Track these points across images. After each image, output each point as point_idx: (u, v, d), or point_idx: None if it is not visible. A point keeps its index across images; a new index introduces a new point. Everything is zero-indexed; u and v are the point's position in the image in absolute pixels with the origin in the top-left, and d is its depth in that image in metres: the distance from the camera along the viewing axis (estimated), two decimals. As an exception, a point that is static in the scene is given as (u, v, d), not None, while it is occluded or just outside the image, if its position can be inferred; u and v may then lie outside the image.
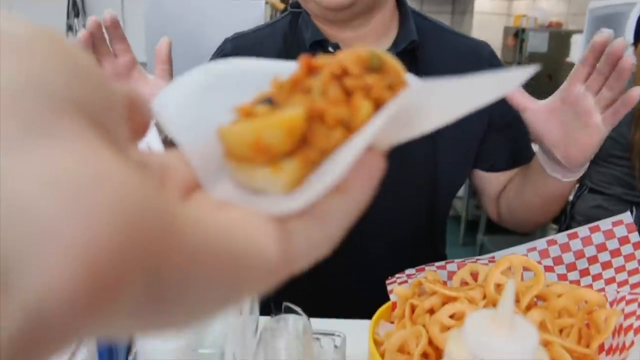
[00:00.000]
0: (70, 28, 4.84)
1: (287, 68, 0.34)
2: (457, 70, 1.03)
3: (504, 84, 0.28)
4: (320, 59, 0.29)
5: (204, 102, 0.31)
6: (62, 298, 0.13)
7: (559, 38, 3.67)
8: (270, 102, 0.28)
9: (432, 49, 1.02)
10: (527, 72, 0.27)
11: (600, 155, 1.87)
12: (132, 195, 0.15)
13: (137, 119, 0.25)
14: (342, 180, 0.26)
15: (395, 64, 0.30)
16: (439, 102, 0.28)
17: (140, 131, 0.26)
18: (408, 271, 0.88)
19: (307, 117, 0.26)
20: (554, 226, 2.64)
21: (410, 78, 0.33)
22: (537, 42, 3.74)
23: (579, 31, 3.24)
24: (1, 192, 0.13)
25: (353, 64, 0.28)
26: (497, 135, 1.06)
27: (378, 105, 0.28)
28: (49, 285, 0.13)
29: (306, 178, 0.26)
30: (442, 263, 0.88)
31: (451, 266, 0.87)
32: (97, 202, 0.14)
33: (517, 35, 4.01)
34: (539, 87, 3.73)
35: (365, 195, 0.27)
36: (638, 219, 1.79)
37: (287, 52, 1.03)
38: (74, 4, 4.83)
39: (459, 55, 1.03)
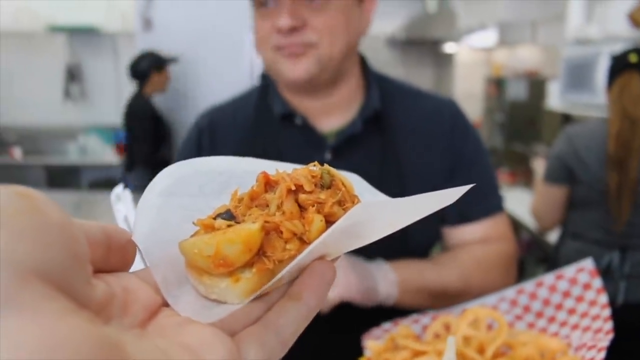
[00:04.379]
0: (67, 93, 4.95)
1: (241, 168, 0.38)
2: (421, 132, 1.07)
3: (441, 200, 0.31)
4: (277, 175, 0.32)
5: (167, 211, 0.33)
6: None
7: (537, 85, 3.78)
8: (229, 215, 0.31)
9: (396, 113, 1.06)
10: (460, 190, 0.31)
11: (578, 200, 1.91)
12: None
13: (119, 253, 0.28)
14: (296, 288, 0.29)
15: (345, 179, 0.33)
16: (384, 216, 0.31)
17: (125, 262, 0.29)
18: (385, 325, 0.90)
19: (264, 230, 0.29)
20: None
21: (360, 187, 0.37)
22: (517, 90, 3.85)
23: (555, 78, 3.35)
24: None
25: (306, 180, 0.31)
26: (460, 179, 1.07)
27: (330, 218, 0.31)
28: None
29: (263, 286, 0.29)
30: (416, 316, 0.90)
31: (425, 319, 0.89)
32: None
33: (498, 84, 4.13)
34: (521, 134, 3.82)
35: (317, 302, 0.29)
36: (621, 262, 1.81)
37: (258, 124, 1.07)
38: (70, 69, 4.96)
39: (422, 116, 1.08)
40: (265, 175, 0.32)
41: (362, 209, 0.28)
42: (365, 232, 0.31)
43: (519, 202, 3.08)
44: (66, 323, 0.18)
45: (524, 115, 3.81)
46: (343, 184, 0.33)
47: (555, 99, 3.20)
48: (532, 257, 3.15)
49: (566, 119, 3.31)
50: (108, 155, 4.79)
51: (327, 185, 0.32)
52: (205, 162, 0.37)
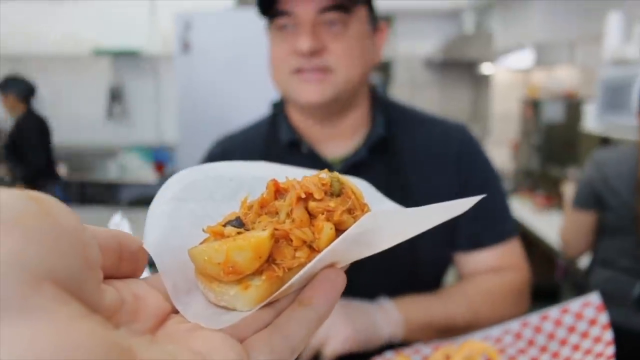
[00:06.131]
0: (110, 113, 5.14)
1: (251, 174, 0.39)
2: (428, 158, 1.07)
3: (451, 210, 0.32)
4: (287, 183, 0.32)
5: (177, 217, 0.33)
6: None
7: (574, 107, 3.69)
8: (239, 223, 0.31)
9: (403, 140, 1.07)
10: (471, 200, 0.31)
11: (608, 226, 1.85)
12: None
13: (130, 260, 0.29)
14: (306, 294, 0.29)
15: (355, 187, 0.34)
16: (394, 226, 0.32)
17: (136, 269, 0.29)
18: (387, 354, 0.90)
19: (274, 237, 0.29)
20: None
21: (369, 194, 0.36)
22: (553, 112, 3.78)
23: (592, 99, 3.27)
24: None
25: (316, 188, 0.32)
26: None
27: (339, 226, 0.31)
28: None
29: (272, 293, 0.29)
30: (417, 346, 0.89)
31: (426, 350, 0.88)
32: None
33: (534, 105, 4.06)
34: (557, 156, 3.74)
35: (327, 308, 0.29)
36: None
37: (267, 152, 1.09)
38: (113, 90, 5.16)
39: (430, 142, 1.08)
40: (275, 183, 0.32)
41: (373, 218, 0.28)
42: (375, 240, 0.31)
43: (554, 226, 3.00)
44: (79, 327, 0.19)
45: (560, 138, 3.73)
46: (353, 192, 0.33)
47: (592, 121, 3.12)
48: (568, 283, 3.05)
49: (604, 141, 3.21)
50: (146, 173, 4.93)
51: (336, 193, 0.32)
52: (216, 168, 0.38)
